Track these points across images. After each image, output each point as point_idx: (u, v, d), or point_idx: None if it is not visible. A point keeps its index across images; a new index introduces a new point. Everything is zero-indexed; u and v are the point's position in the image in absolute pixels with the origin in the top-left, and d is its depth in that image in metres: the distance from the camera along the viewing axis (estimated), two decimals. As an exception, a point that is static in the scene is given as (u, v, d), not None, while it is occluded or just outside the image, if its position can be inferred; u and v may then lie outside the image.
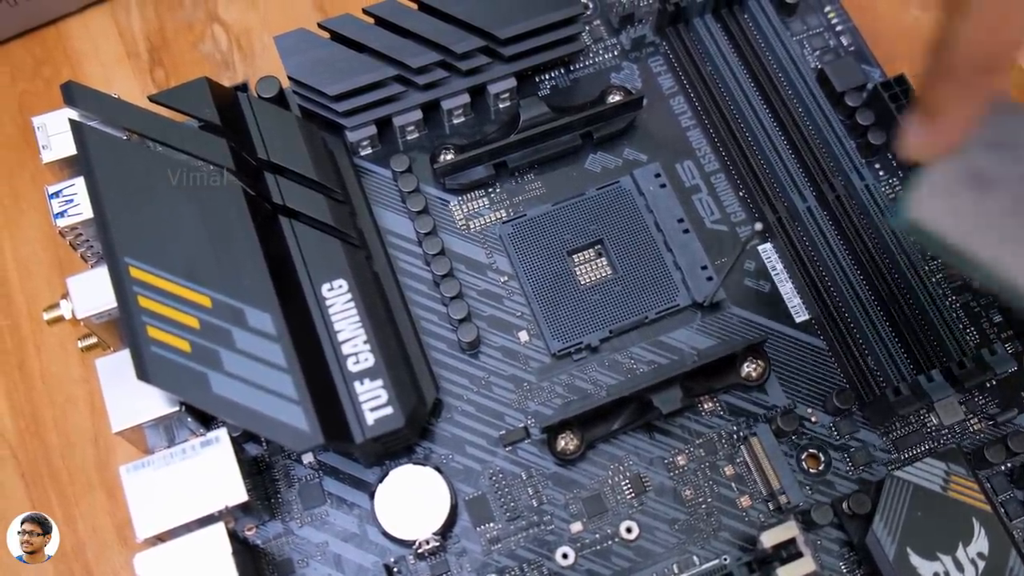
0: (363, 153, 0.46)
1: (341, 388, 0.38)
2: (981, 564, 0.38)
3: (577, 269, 0.44)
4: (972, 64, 0.27)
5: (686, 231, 0.45)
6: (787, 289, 0.44)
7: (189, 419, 0.39)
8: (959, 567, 0.38)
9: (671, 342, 0.43)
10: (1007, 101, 0.31)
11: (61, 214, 0.40)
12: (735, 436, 0.42)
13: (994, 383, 0.43)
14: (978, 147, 0.31)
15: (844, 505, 0.40)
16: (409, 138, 0.46)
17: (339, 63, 0.44)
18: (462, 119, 0.47)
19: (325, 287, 0.39)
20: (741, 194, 0.46)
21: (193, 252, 0.38)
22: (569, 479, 0.42)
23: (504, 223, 0.45)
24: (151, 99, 0.41)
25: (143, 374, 0.37)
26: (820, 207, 0.45)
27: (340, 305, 0.39)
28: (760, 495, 0.41)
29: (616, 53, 0.49)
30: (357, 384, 0.38)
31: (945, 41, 0.27)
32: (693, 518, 0.41)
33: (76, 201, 0.40)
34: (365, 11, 0.44)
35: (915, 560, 0.38)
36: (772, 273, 0.45)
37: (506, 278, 0.45)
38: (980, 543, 0.39)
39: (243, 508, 0.38)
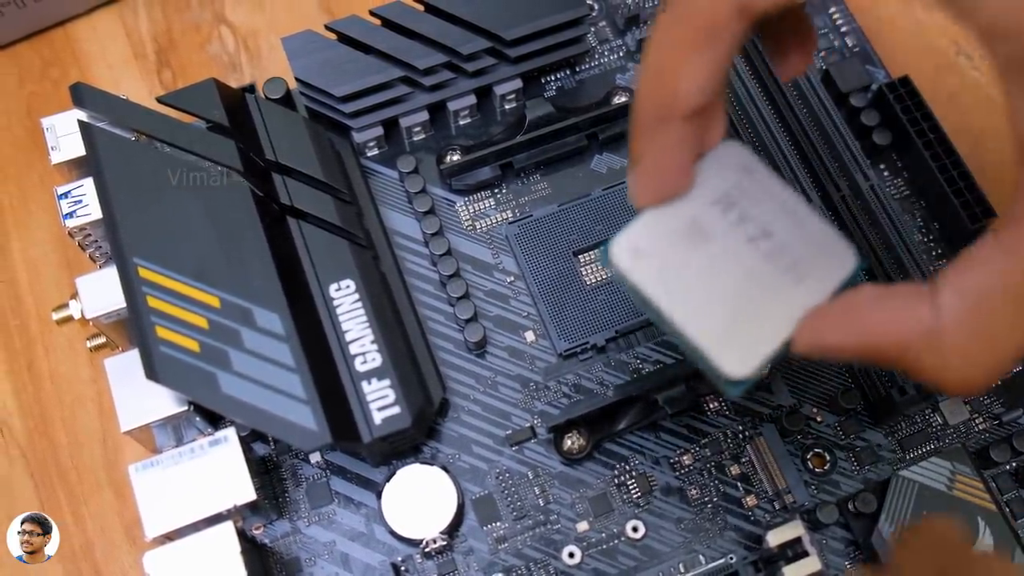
0: (370, 154, 0.47)
1: (349, 388, 0.38)
2: (986, 563, 0.38)
3: (583, 269, 0.45)
4: (646, 114, 0.28)
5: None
6: (792, 289, 0.45)
7: (197, 419, 0.40)
8: (964, 566, 0.38)
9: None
10: (752, 160, 0.31)
11: (70, 215, 0.40)
12: (740, 436, 0.42)
13: (999, 383, 0.43)
14: (702, 201, 0.31)
15: (850, 504, 0.40)
16: (415, 139, 0.47)
17: (346, 64, 0.44)
18: (468, 120, 0.47)
19: (333, 287, 0.40)
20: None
21: (202, 252, 0.39)
22: (575, 478, 0.42)
23: (510, 224, 0.45)
24: (159, 100, 0.42)
25: (152, 374, 0.37)
26: (825, 207, 0.45)
27: (348, 305, 0.39)
28: (766, 494, 0.42)
29: (622, 54, 0.49)
30: (364, 384, 0.38)
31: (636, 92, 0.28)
32: (699, 517, 0.41)
33: (85, 202, 0.40)
34: (372, 12, 0.44)
35: (920, 559, 0.38)
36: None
37: (512, 278, 0.45)
38: (985, 542, 0.39)
39: (251, 507, 0.38)
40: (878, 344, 0.27)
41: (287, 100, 0.45)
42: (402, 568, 0.41)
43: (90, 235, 0.42)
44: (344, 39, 0.44)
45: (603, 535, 0.41)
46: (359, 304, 0.39)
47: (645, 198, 0.31)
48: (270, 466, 0.42)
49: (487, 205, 0.46)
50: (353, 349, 0.39)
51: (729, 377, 0.30)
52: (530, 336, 0.44)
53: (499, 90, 0.46)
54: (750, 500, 0.41)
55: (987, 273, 0.26)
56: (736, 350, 0.30)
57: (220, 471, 0.37)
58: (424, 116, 0.46)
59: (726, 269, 0.31)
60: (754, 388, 0.31)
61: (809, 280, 0.30)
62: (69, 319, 0.41)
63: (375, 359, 0.39)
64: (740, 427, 0.42)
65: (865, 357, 0.28)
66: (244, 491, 0.37)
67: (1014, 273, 0.25)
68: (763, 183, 0.31)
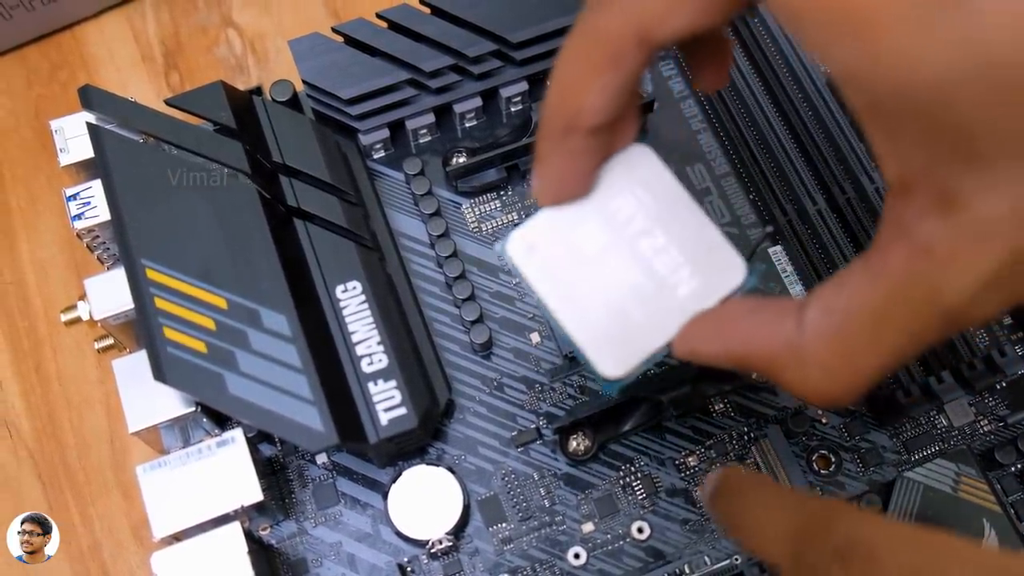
0: (376, 156, 0.47)
1: (355, 389, 0.38)
2: (991, 565, 0.38)
3: (588, 271, 0.45)
4: (552, 123, 0.30)
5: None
6: (797, 291, 0.45)
7: (204, 419, 0.40)
8: (969, 568, 0.38)
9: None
10: (656, 165, 0.32)
11: (79, 216, 0.41)
12: (745, 437, 0.42)
13: (1004, 384, 0.43)
14: (601, 203, 0.32)
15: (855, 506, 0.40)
16: (421, 141, 0.47)
17: (352, 67, 0.44)
18: (474, 122, 0.47)
19: (339, 289, 0.40)
20: (751, 197, 0.46)
21: (209, 254, 0.39)
22: (581, 480, 0.42)
23: (516, 225, 0.45)
24: (167, 103, 0.42)
25: (160, 375, 0.37)
26: (830, 210, 0.45)
27: (354, 307, 0.40)
28: (771, 496, 0.42)
29: (627, 57, 0.49)
30: (371, 385, 0.39)
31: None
32: (704, 518, 0.41)
33: (93, 203, 0.41)
34: (378, 15, 0.45)
35: (925, 561, 0.38)
36: (782, 275, 0.45)
37: (517, 280, 0.45)
38: (991, 544, 0.39)
39: (258, 508, 0.38)
40: (746, 354, 0.29)
41: (294, 102, 0.46)
42: (408, 569, 0.41)
43: (98, 237, 0.42)
44: (351, 42, 0.45)
45: (608, 536, 0.41)
46: (365, 305, 0.40)
47: (545, 198, 0.32)
48: (277, 467, 0.42)
49: (493, 207, 0.46)
50: (360, 350, 0.39)
51: (603, 376, 0.31)
52: (535, 338, 0.44)
53: (505, 92, 0.46)
54: (755, 501, 0.42)
55: (852, 294, 0.27)
56: (613, 351, 0.31)
57: (227, 472, 0.38)
58: (430, 118, 0.46)
59: (614, 271, 0.31)
60: (637, 384, 0.32)
61: (696, 289, 0.31)
62: (77, 320, 0.41)
63: (381, 360, 0.39)
64: (745, 428, 0.43)
65: (736, 366, 0.29)
66: (251, 492, 0.37)
67: (876, 296, 0.26)
68: (665, 188, 0.32)
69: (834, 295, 0.27)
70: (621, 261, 0.31)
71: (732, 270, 0.31)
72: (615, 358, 0.31)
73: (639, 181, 0.32)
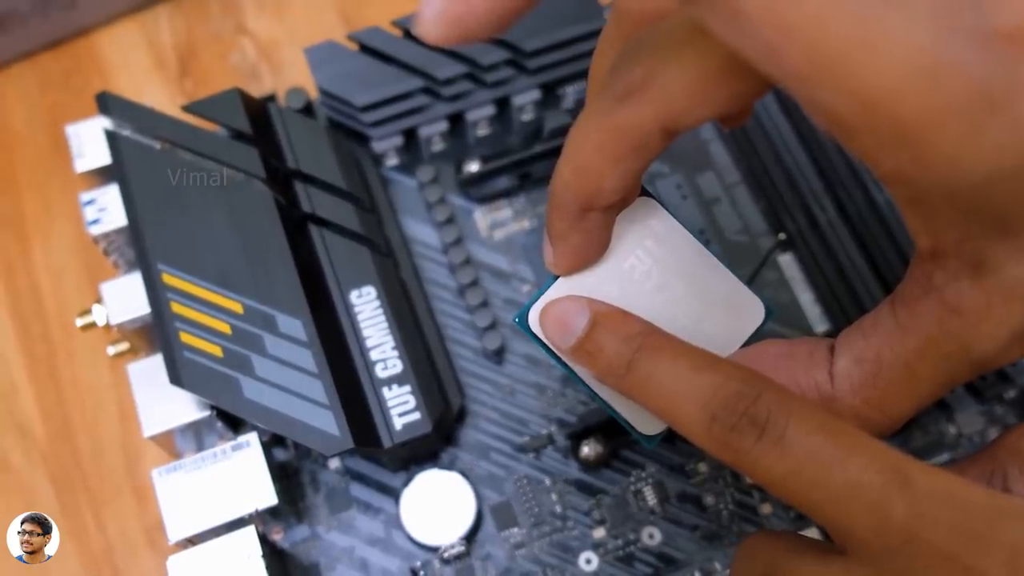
0: (389, 163, 0.47)
1: (370, 394, 0.39)
2: (1001, 572, 0.38)
3: (600, 278, 0.45)
4: (568, 203, 0.29)
5: (707, 242, 0.45)
6: (806, 299, 0.45)
7: (219, 424, 0.40)
8: (979, 575, 0.38)
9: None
10: (663, 217, 0.32)
11: (95, 221, 0.41)
12: (756, 444, 0.43)
13: (1014, 393, 0.44)
14: (614, 263, 0.32)
15: (865, 513, 0.40)
16: (434, 149, 0.47)
17: (367, 75, 0.45)
18: (487, 130, 0.47)
19: (354, 294, 0.40)
20: (761, 206, 0.47)
21: (225, 259, 0.39)
22: (592, 485, 0.42)
23: (528, 233, 0.46)
24: (184, 109, 0.42)
25: (176, 379, 0.37)
26: (840, 219, 0.45)
27: (368, 312, 0.40)
28: (780, 503, 0.42)
29: (638, 66, 0.50)
30: (385, 390, 0.39)
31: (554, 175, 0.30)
32: (714, 525, 0.42)
33: (109, 209, 0.41)
34: (394, 23, 0.45)
35: (936, 568, 0.38)
36: (792, 282, 0.45)
37: (530, 287, 0.45)
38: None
39: (272, 512, 0.38)
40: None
41: (307, 110, 0.46)
42: (420, 573, 0.41)
43: (114, 242, 0.42)
44: (365, 49, 0.45)
45: (620, 542, 0.41)
46: (380, 311, 0.40)
47: (562, 270, 0.32)
48: (290, 471, 0.42)
49: (505, 214, 0.47)
50: (374, 355, 0.39)
51: (644, 437, 0.32)
52: (548, 344, 0.44)
53: (517, 101, 0.47)
54: (765, 508, 0.42)
55: (882, 345, 0.28)
56: (647, 421, 0.32)
57: (242, 476, 0.38)
58: (443, 126, 0.46)
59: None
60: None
61: (718, 333, 0.32)
62: (93, 325, 0.41)
63: (396, 365, 0.39)
64: (756, 436, 0.43)
65: None
66: (266, 495, 0.38)
67: (907, 349, 0.28)
68: (674, 238, 0.32)
69: (863, 345, 0.29)
70: (645, 316, 0.31)
71: (752, 311, 0.32)
72: (652, 416, 0.30)
73: (649, 235, 0.32)
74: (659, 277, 0.32)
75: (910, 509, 0.26)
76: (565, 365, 0.32)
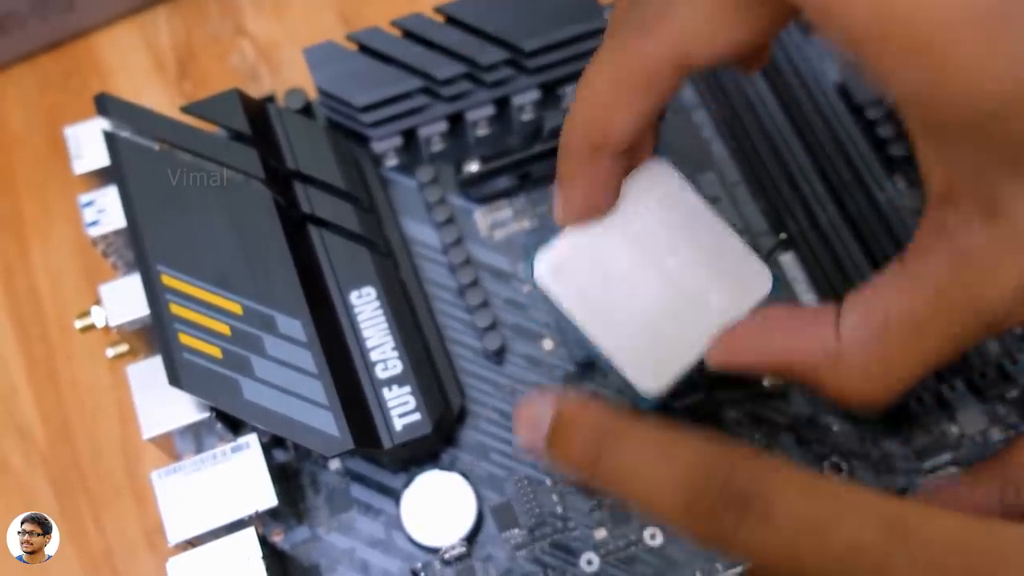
0: (389, 164, 0.47)
1: (370, 394, 0.39)
2: (1004, 572, 0.38)
3: (600, 279, 0.45)
4: (578, 143, 0.30)
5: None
6: (808, 300, 0.45)
7: (218, 425, 0.40)
8: (982, 575, 0.38)
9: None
10: (676, 179, 0.33)
11: (94, 223, 0.41)
12: (758, 445, 0.43)
13: (1016, 393, 0.43)
14: (624, 220, 0.32)
15: (867, 513, 0.40)
16: (434, 149, 0.47)
17: (366, 75, 0.45)
18: (486, 131, 0.47)
19: (353, 294, 0.40)
20: (762, 205, 0.46)
21: (224, 260, 0.39)
22: (593, 486, 0.42)
23: (528, 233, 0.46)
24: (183, 110, 0.42)
25: (175, 380, 0.37)
26: (841, 218, 0.45)
27: (368, 312, 0.40)
28: (783, 503, 0.42)
29: (638, 66, 0.50)
30: (385, 390, 0.39)
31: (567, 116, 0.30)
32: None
33: (108, 210, 0.41)
34: (393, 23, 0.45)
35: (938, 568, 0.38)
36: (793, 284, 0.45)
37: (530, 287, 0.45)
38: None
39: (272, 514, 0.38)
40: (786, 363, 0.30)
41: (307, 110, 0.46)
42: (421, 575, 0.41)
43: (112, 243, 0.42)
44: (365, 50, 0.45)
45: (621, 542, 0.41)
46: (380, 311, 0.40)
47: (569, 217, 0.32)
48: (290, 473, 0.42)
49: (505, 214, 0.47)
50: (374, 356, 0.39)
51: (644, 393, 0.32)
52: (548, 345, 0.44)
53: (517, 101, 0.46)
54: (767, 508, 0.42)
55: (890, 300, 0.28)
56: (649, 367, 0.32)
57: (242, 477, 0.38)
58: (443, 126, 0.46)
59: (643, 287, 0.32)
60: (670, 395, 0.33)
61: (725, 299, 0.32)
62: (92, 327, 0.41)
63: (396, 366, 0.39)
64: (757, 436, 0.43)
65: (773, 373, 0.30)
66: (266, 497, 0.37)
67: (916, 301, 0.27)
68: (686, 202, 0.33)
69: (872, 301, 0.28)
70: (650, 279, 0.32)
71: (760, 279, 0.32)
72: (653, 374, 0.31)
73: (660, 197, 0.32)
74: (667, 239, 0.32)
75: (914, 564, 0.25)
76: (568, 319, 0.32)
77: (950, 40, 0.22)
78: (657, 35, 0.27)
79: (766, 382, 0.43)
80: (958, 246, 0.26)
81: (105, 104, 0.42)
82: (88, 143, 0.42)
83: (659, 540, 0.41)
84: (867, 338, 0.28)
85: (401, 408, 0.38)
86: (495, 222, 0.46)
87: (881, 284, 0.28)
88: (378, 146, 0.46)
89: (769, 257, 0.39)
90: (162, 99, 0.52)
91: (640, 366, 0.32)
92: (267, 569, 0.37)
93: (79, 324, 0.41)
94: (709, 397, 0.42)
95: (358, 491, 0.42)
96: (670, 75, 0.28)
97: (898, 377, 0.28)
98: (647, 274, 0.32)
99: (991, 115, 0.23)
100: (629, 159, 0.32)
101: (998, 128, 0.23)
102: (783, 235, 0.40)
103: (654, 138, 0.33)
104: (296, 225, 0.41)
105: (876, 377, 0.28)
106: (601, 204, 0.32)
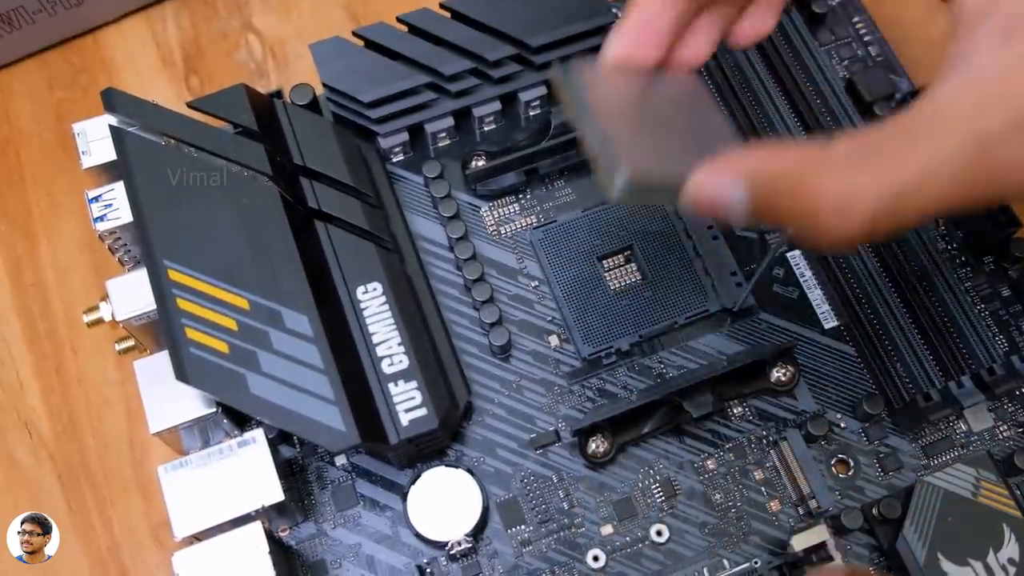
0: (395, 159, 0.47)
1: (376, 389, 0.39)
2: (1012, 570, 0.38)
3: (607, 275, 0.45)
4: None
5: (715, 237, 0.45)
6: (816, 295, 0.45)
7: (225, 420, 0.40)
8: (989, 573, 0.38)
9: (701, 347, 0.44)
10: (701, 88, 0.37)
11: (101, 218, 0.41)
12: (765, 441, 0.42)
13: (1018, 391, 0.43)
14: (653, 83, 0.36)
15: (874, 510, 0.40)
16: (440, 145, 0.47)
17: (373, 70, 0.45)
18: (493, 126, 0.47)
19: (360, 290, 0.40)
20: (770, 201, 0.46)
21: (231, 255, 0.39)
22: (599, 482, 0.42)
23: (535, 229, 0.46)
24: (189, 105, 0.42)
25: (182, 375, 0.37)
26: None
27: (375, 308, 0.40)
28: (790, 499, 0.42)
29: (645, 62, 0.49)
30: (391, 386, 0.39)
31: None
32: (723, 522, 0.41)
33: (116, 205, 0.41)
34: (399, 19, 0.45)
35: (945, 565, 0.38)
36: (801, 279, 0.45)
37: (536, 283, 0.45)
38: (1011, 549, 0.39)
39: (278, 509, 0.38)
40: (771, 171, 0.29)
41: (314, 106, 0.46)
42: (427, 570, 0.41)
43: (120, 238, 0.42)
44: (371, 45, 0.45)
45: (627, 539, 0.41)
46: (386, 307, 0.40)
47: (618, 46, 0.35)
48: (296, 468, 0.42)
49: (512, 210, 0.46)
50: (380, 351, 0.39)
51: (619, 174, 0.31)
52: (554, 340, 0.44)
53: (524, 96, 0.46)
54: (774, 505, 0.42)
55: (885, 122, 0.29)
56: (636, 156, 0.32)
57: (248, 472, 0.38)
58: (449, 122, 0.46)
59: (651, 116, 0.35)
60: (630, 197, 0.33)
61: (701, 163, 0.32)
62: (100, 321, 0.41)
63: (402, 361, 0.39)
64: (764, 432, 0.43)
65: (756, 189, 0.30)
66: (272, 492, 0.37)
67: (915, 117, 0.28)
68: (704, 103, 0.36)
69: (866, 127, 0.29)
70: (658, 114, 0.35)
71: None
72: (637, 161, 0.32)
73: (684, 88, 0.36)
74: (683, 112, 0.36)
75: None
76: (580, 116, 0.34)
77: None
78: None
79: (773, 378, 0.42)
80: (973, 66, 0.28)
81: (112, 99, 0.42)
82: (96, 139, 0.42)
83: (665, 537, 0.41)
84: (861, 139, 0.29)
85: (407, 403, 0.38)
86: (501, 218, 0.46)
87: (867, 127, 0.30)
88: (384, 142, 0.46)
89: (776, 252, 0.39)
90: (169, 95, 0.52)
91: (628, 152, 0.32)
92: (273, 564, 0.37)
93: (87, 319, 0.41)
94: (715, 393, 0.42)
95: (364, 487, 0.42)
96: None
97: (880, 182, 0.28)
98: (655, 111, 0.35)
99: None
100: (685, 23, 0.35)
101: None
102: (791, 230, 0.40)
103: (712, 40, 0.36)
104: (303, 220, 0.41)
105: (862, 179, 0.28)
106: (646, 40, 0.35)
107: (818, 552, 0.40)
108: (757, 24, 0.36)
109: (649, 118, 0.35)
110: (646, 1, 0.34)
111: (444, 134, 0.47)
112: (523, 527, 0.41)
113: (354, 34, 0.45)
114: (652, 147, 0.33)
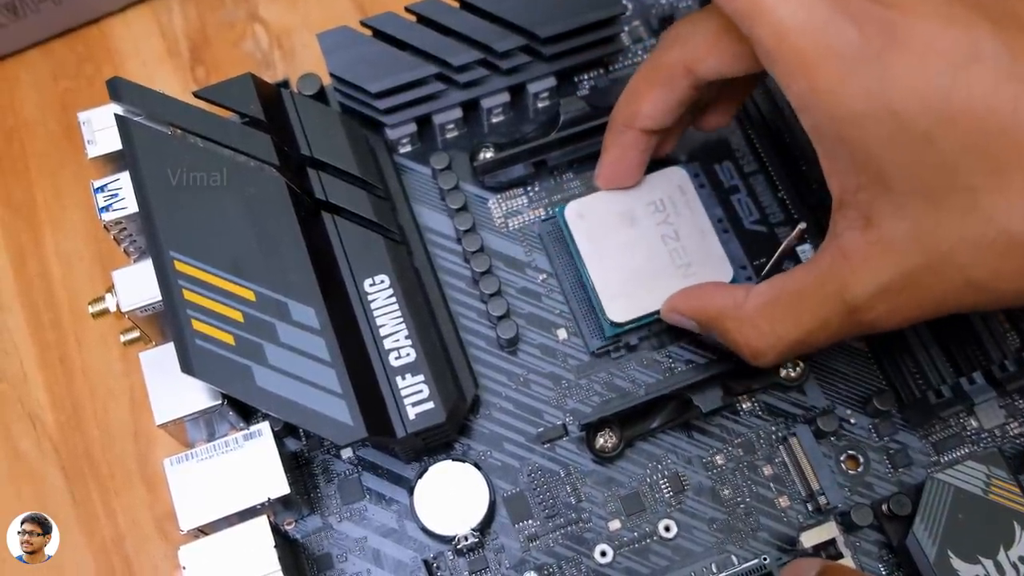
0: (403, 151, 0.47)
1: (383, 382, 0.38)
2: (1023, 568, 0.38)
3: (616, 268, 0.44)
4: (617, 120, 0.41)
5: (725, 231, 0.45)
6: (826, 290, 0.44)
7: (230, 413, 0.40)
8: (1000, 570, 0.38)
9: (710, 341, 0.43)
10: (688, 184, 0.44)
11: (106, 208, 0.40)
12: (774, 436, 0.42)
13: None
14: (641, 199, 0.43)
15: (884, 507, 0.40)
16: (448, 136, 0.47)
17: (380, 61, 0.44)
18: (502, 118, 0.47)
19: (367, 282, 0.40)
20: (780, 195, 0.46)
21: (237, 246, 0.39)
22: (607, 477, 0.42)
23: (543, 221, 0.45)
24: (196, 94, 0.42)
25: (187, 367, 0.37)
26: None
27: (382, 300, 0.39)
28: (799, 496, 0.41)
29: (655, 54, 0.49)
30: (399, 379, 0.38)
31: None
32: (731, 518, 0.41)
33: (121, 195, 0.41)
34: (407, 9, 0.44)
35: (956, 563, 0.38)
36: (811, 274, 0.45)
37: (544, 276, 0.45)
38: (1022, 547, 0.38)
39: (284, 502, 0.38)
40: (703, 308, 0.39)
41: (320, 96, 0.45)
42: (434, 565, 0.41)
43: (125, 229, 0.42)
44: (379, 35, 0.44)
45: (635, 534, 0.41)
46: (393, 299, 0.39)
47: (602, 180, 0.43)
48: (302, 462, 0.42)
49: (520, 203, 0.46)
50: (387, 344, 0.39)
51: (609, 320, 0.42)
52: (562, 334, 0.44)
53: (533, 88, 0.46)
54: (783, 501, 0.41)
55: (788, 277, 0.36)
56: (620, 303, 0.42)
57: (254, 465, 0.37)
58: (458, 113, 0.46)
59: (638, 250, 0.42)
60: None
61: (693, 278, 0.41)
62: (105, 312, 0.41)
63: (409, 354, 0.39)
64: (773, 428, 0.42)
65: (695, 319, 0.39)
66: (278, 485, 0.37)
67: (802, 281, 0.35)
68: (690, 203, 0.43)
69: (778, 277, 0.36)
70: (645, 244, 0.42)
71: (723, 272, 0.42)
72: (621, 309, 0.41)
73: (672, 192, 0.43)
74: (669, 225, 0.43)
75: None
76: (575, 255, 0.43)
77: (820, 63, 0.31)
78: (676, 50, 0.38)
79: (782, 373, 0.42)
80: (841, 246, 0.33)
81: (117, 88, 0.41)
82: (101, 128, 0.42)
83: (673, 532, 0.41)
84: (763, 301, 0.36)
85: (415, 396, 0.38)
86: (510, 210, 0.46)
87: (792, 269, 0.36)
88: (392, 133, 0.46)
89: (787, 246, 0.39)
90: (175, 85, 0.52)
91: (614, 300, 0.42)
92: (279, 558, 0.36)
93: (92, 309, 0.41)
94: (724, 388, 0.41)
95: (370, 480, 0.42)
96: (682, 77, 0.38)
97: (779, 337, 0.36)
98: (643, 241, 0.42)
99: (852, 134, 0.31)
100: (654, 145, 0.42)
101: (860, 148, 0.31)
102: (802, 225, 0.40)
103: (677, 137, 0.43)
104: (310, 212, 0.41)
105: (764, 333, 0.36)
106: (626, 171, 0.42)
107: (827, 549, 0.39)
108: (712, 122, 0.43)
109: (628, 261, 0.42)
110: (614, 140, 0.42)
111: (452, 125, 0.46)
112: (530, 522, 0.41)
113: (362, 23, 0.45)
114: (632, 293, 0.42)
